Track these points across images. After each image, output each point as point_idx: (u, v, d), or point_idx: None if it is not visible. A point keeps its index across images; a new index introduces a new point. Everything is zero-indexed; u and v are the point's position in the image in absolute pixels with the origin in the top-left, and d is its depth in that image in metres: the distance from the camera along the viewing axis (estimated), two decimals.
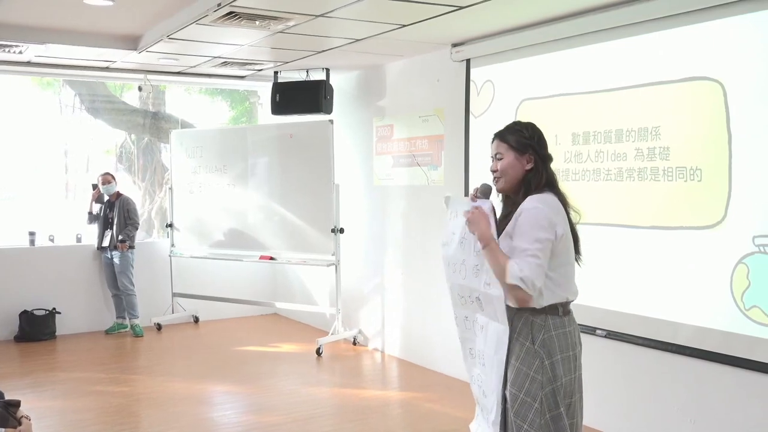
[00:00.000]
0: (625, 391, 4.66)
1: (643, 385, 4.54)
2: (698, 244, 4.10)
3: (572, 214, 2.78)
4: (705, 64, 4.06)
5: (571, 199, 2.80)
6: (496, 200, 2.86)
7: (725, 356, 4.00)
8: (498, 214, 2.84)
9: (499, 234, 2.69)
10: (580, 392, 2.80)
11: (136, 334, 7.85)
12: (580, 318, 4.81)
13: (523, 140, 2.78)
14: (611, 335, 4.69)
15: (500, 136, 2.85)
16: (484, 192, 2.83)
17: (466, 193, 5.84)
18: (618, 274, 4.61)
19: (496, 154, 2.84)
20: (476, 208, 2.73)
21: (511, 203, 2.80)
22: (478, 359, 2.85)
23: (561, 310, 2.71)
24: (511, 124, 2.90)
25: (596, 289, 4.75)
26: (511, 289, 2.56)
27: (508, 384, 2.69)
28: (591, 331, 4.80)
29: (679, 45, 4.20)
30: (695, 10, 4.07)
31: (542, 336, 2.66)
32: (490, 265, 2.63)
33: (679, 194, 4.21)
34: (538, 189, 2.72)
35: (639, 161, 4.43)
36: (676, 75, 4.22)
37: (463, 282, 2.84)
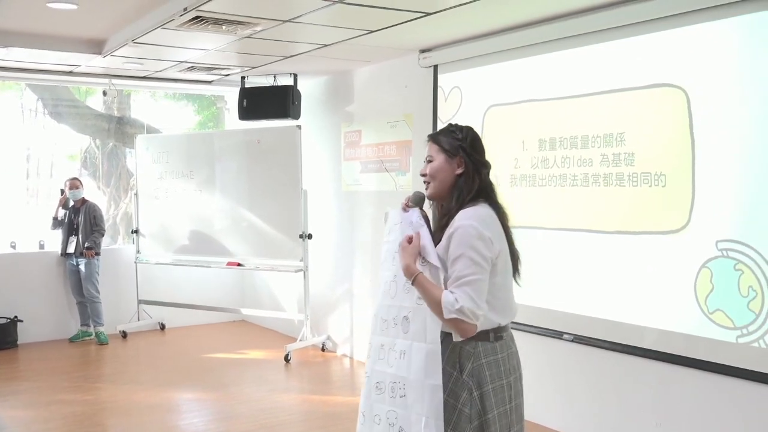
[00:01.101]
0: (591, 395, 4.70)
1: (609, 388, 4.58)
2: (663, 248, 4.16)
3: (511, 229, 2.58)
4: (668, 72, 4.12)
5: (509, 212, 2.60)
6: (430, 209, 2.71)
7: (690, 359, 4.06)
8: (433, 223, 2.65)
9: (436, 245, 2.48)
10: (520, 423, 2.56)
11: (101, 341, 7.73)
12: (546, 322, 4.90)
13: (455, 142, 2.55)
14: (578, 339, 4.73)
15: (433, 137, 2.63)
16: (416, 201, 2.65)
17: None
18: (584, 278, 4.65)
19: (427, 157, 2.62)
20: (409, 237, 2.49)
21: (446, 211, 2.55)
22: (389, 393, 2.54)
23: (492, 335, 2.47)
24: (446, 125, 2.68)
25: (562, 294, 4.80)
26: (452, 324, 2.33)
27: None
28: (557, 335, 4.85)
29: (644, 52, 4.26)
30: (659, 18, 4.14)
31: (471, 365, 2.43)
32: (425, 301, 2.40)
33: (643, 199, 4.26)
34: (470, 197, 2.51)
35: (604, 167, 4.49)
36: (640, 82, 4.28)
37: (391, 302, 2.60)
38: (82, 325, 7.88)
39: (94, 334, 7.83)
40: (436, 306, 2.35)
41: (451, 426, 2.42)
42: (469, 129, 2.63)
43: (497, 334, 2.50)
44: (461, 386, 2.43)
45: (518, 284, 2.62)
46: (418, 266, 2.44)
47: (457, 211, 2.48)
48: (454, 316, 2.30)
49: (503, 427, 2.46)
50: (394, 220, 2.67)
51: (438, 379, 2.40)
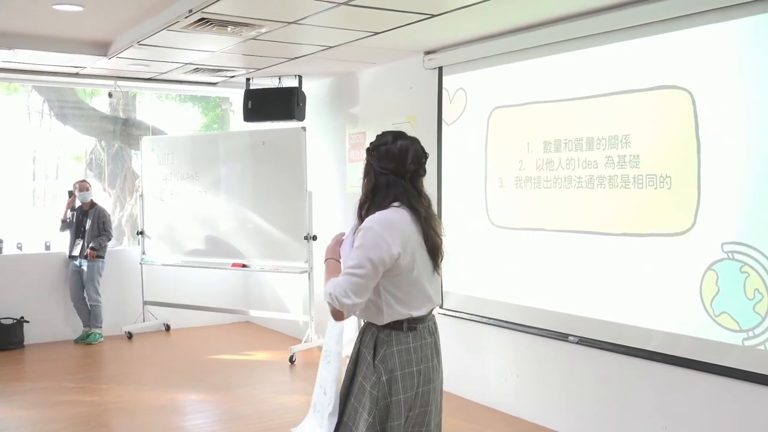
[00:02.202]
0: (596, 397, 4.69)
1: (615, 391, 4.57)
2: (668, 251, 4.15)
3: (438, 227, 2.76)
4: (674, 73, 4.11)
5: (433, 213, 2.76)
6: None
7: (695, 362, 4.05)
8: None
9: None
10: (426, 406, 2.74)
11: (93, 341, 7.76)
12: (552, 324, 4.89)
13: (368, 149, 2.77)
14: (583, 341, 4.72)
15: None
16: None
17: (439, 201, 5.86)
18: (589, 280, 4.64)
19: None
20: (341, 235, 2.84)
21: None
22: (325, 359, 2.88)
23: (405, 326, 2.67)
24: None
25: (568, 296, 4.79)
26: (328, 306, 2.60)
27: (351, 397, 2.70)
28: (563, 337, 4.84)
29: (649, 54, 4.25)
30: (665, 20, 4.13)
31: (383, 351, 2.64)
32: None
33: (649, 201, 4.26)
34: (381, 203, 2.68)
35: (609, 169, 4.48)
36: (646, 84, 4.27)
37: None
38: (85, 326, 7.89)
39: (89, 335, 7.83)
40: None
41: (361, 405, 2.66)
42: (385, 135, 2.77)
43: (410, 324, 2.69)
44: (372, 370, 2.65)
45: (438, 274, 2.79)
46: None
47: (367, 216, 2.70)
48: (327, 299, 2.57)
49: (405, 409, 2.66)
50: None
51: (341, 347, 2.81)
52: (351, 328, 2.79)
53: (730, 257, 3.84)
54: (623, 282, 4.42)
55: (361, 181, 2.78)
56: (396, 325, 2.66)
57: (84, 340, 7.82)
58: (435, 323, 2.82)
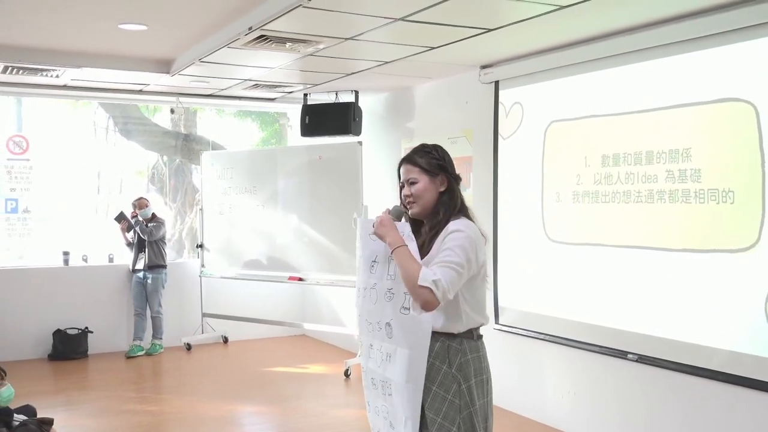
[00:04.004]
0: (655, 417, 4.58)
1: (676, 410, 4.46)
2: (732, 267, 4.04)
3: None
4: (737, 86, 4.02)
5: (479, 222, 2.74)
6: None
7: (760, 382, 3.92)
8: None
9: (420, 246, 2.63)
10: (492, 415, 2.75)
11: (154, 352, 7.93)
12: (611, 342, 4.81)
13: (435, 162, 2.73)
14: (642, 359, 4.62)
15: (409, 160, 2.78)
16: (397, 214, 2.77)
17: (495, 215, 5.82)
18: (649, 297, 4.55)
19: (408, 179, 2.75)
20: (382, 215, 2.71)
21: (434, 224, 2.69)
22: (381, 390, 2.76)
23: (475, 334, 2.70)
24: (417, 146, 2.85)
25: (627, 313, 4.70)
26: (419, 292, 2.45)
27: (425, 408, 2.61)
28: (622, 355, 4.74)
29: (711, 66, 4.17)
30: (726, 32, 4.04)
31: (459, 360, 2.62)
32: (400, 269, 2.55)
33: (711, 217, 4.16)
34: (456, 210, 2.69)
35: (670, 183, 4.39)
36: (707, 96, 4.19)
37: (372, 307, 2.78)
38: (135, 339, 7.98)
39: (150, 346, 7.99)
40: (410, 275, 2.49)
41: (441, 416, 2.59)
42: (441, 147, 2.82)
43: (478, 333, 2.72)
44: (451, 379, 2.61)
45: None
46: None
47: (445, 224, 2.65)
48: (426, 284, 2.44)
49: (483, 418, 2.66)
50: (367, 230, 2.78)
51: (418, 382, 2.59)
52: (421, 359, 2.59)
53: None
54: (684, 299, 4.32)
55: (415, 194, 2.71)
56: (467, 334, 2.66)
57: (134, 354, 7.86)
58: None
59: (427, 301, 2.47)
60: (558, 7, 4.10)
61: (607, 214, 4.84)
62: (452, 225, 2.62)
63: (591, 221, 4.96)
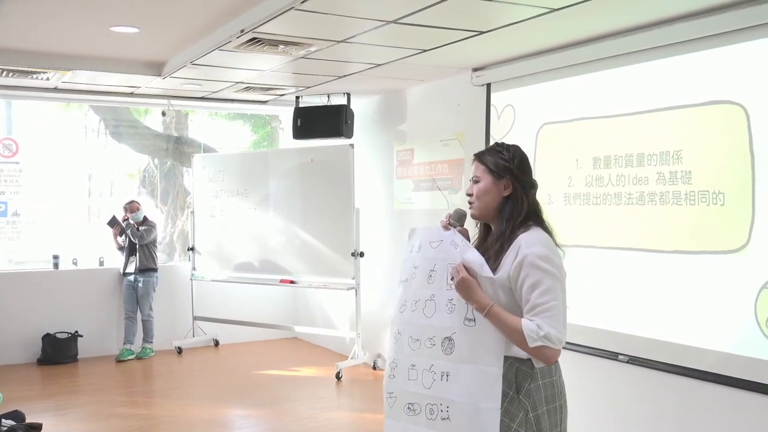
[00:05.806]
0: (646, 418, 4.59)
1: (667, 411, 4.48)
2: (722, 268, 4.06)
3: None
4: (727, 88, 4.04)
5: (556, 234, 2.52)
6: (473, 227, 2.64)
7: (750, 382, 3.94)
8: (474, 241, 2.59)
9: (486, 259, 2.41)
10: None
11: (144, 356, 7.90)
12: (602, 343, 4.82)
13: (502, 163, 2.48)
14: (633, 361, 4.64)
15: (479, 156, 2.56)
16: (458, 218, 2.55)
17: None
18: (640, 298, 4.57)
19: (473, 177, 2.55)
20: (460, 274, 2.38)
21: (498, 235, 2.48)
22: (425, 416, 2.46)
23: None
24: (493, 144, 2.62)
25: (618, 314, 4.72)
26: (534, 354, 2.30)
27: None
28: (613, 356, 4.76)
29: (701, 69, 4.19)
30: (716, 34, 4.07)
31: (528, 385, 2.37)
32: (502, 333, 2.33)
33: (701, 218, 4.18)
34: (519, 220, 2.44)
35: (661, 185, 4.42)
36: (697, 99, 4.21)
37: (426, 321, 2.48)
38: (125, 343, 7.95)
39: (141, 348, 7.97)
40: (516, 335, 2.30)
41: None
42: (517, 148, 2.56)
43: None
44: (517, 407, 2.36)
45: None
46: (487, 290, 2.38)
47: (510, 235, 2.43)
48: (539, 343, 2.26)
49: None
50: (428, 238, 2.55)
51: (497, 401, 2.32)
52: (495, 375, 2.34)
53: None
54: (675, 300, 4.34)
55: (476, 194, 2.52)
56: None
57: (124, 357, 7.84)
58: None
59: (546, 357, 2.31)
60: (550, 9, 4.12)
61: (599, 216, 4.86)
62: (524, 239, 2.39)
63: (582, 223, 4.98)
